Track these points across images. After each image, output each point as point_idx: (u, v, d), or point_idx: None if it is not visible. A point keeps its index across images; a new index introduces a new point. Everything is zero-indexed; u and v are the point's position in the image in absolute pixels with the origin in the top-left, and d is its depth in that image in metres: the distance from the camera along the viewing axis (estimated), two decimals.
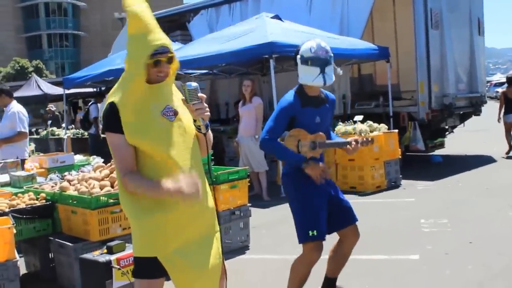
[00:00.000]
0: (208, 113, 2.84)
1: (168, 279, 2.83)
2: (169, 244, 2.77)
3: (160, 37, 2.73)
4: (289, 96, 4.00)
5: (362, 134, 3.75)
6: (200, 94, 2.79)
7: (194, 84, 2.80)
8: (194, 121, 2.87)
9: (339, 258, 4.22)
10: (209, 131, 2.92)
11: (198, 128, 2.89)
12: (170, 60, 2.79)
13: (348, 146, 3.99)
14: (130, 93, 2.73)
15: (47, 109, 22.24)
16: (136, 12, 2.72)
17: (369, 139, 4.05)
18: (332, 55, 3.96)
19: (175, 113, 2.83)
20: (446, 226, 6.62)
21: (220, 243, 2.99)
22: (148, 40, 2.69)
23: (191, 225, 2.83)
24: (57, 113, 21.97)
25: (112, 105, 2.73)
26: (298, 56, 3.94)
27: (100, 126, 13.57)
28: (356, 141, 3.99)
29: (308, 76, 3.91)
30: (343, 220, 4.09)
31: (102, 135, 13.84)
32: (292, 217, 4.05)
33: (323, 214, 3.96)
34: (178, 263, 2.77)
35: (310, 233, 3.88)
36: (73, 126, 18.29)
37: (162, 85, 2.82)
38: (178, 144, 2.78)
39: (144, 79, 2.73)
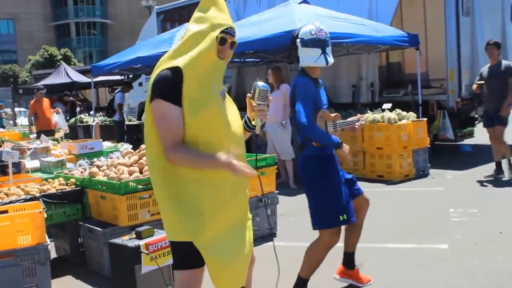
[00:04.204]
0: (267, 117, 2.87)
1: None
2: (206, 228, 2.69)
3: (231, 20, 2.78)
4: (304, 80, 4.12)
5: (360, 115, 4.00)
6: (269, 97, 2.81)
7: (267, 85, 2.81)
8: (251, 120, 2.89)
9: (355, 227, 4.34)
10: None
11: (251, 127, 2.92)
12: (233, 45, 2.79)
13: (356, 124, 4.22)
14: (200, 66, 2.68)
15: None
16: None
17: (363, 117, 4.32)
18: (329, 36, 4.17)
19: (225, 97, 2.85)
20: (476, 216, 6.53)
21: (251, 231, 2.97)
22: (223, 18, 2.73)
23: (228, 210, 2.77)
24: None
25: (177, 73, 2.63)
26: (298, 40, 4.10)
27: (124, 114, 13.73)
28: (359, 119, 4.25)
29: (310, 57, 4.08)
30: (354, 191, 4.26)
31: (128, 122, 13.98)
32: (314, 200, 4.13)
33: (348, 197, 4.12)
34: (213, 250, 2.69)
35: (341, 217, 4.01)
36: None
37: (224, 66, 2.82)
38: (231, 124, 2.78)
39: (215, 52, 2.71)
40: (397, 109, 9.76)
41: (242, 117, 2.95)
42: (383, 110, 9.58)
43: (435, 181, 8.96)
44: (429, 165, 9.77)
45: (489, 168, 9.26)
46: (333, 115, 4.15)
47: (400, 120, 9.46)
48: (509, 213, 6.60)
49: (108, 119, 15.86)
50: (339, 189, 4.05)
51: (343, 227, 4.24)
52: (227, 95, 2.91)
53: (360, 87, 12.61)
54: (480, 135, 13.11)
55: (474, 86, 8.88)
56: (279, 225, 6.38)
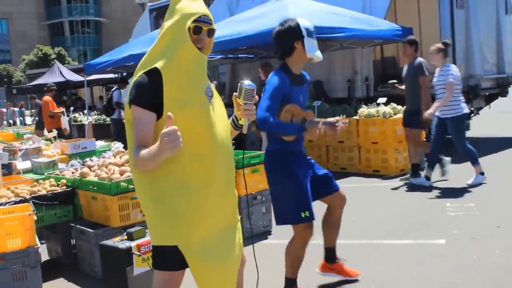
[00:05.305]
0: (254, 116, 2.81)
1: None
2: (191, 232, 2.61)
3: (205, 7, 2.68)
4: (280, 75, 3.91)
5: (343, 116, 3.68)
6: (255, 96, 2.76)
7: (253, 84, 2.76)
8: (238, 119, 2.83)
9: (332, 225, 4.31)
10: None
11: (238, 127, 2.85)
12: (210, 33, 2.70)
13: (337, 125, 3.89)
14: (181, 64, 2.59)
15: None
16: None
17: (347, 120, 3.98)
18: None
19: (212, 95, 2.74)
20: (473, 210, 6.48)
21: (241, 232, 2.90)
22: (195, 7, 2.62)
23: (215, 213, 2.69)
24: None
25: (155, 77, 2.55)
26: (304, 29, 3.83)
27: (123, 112, 13.62)
28: (338, 121, 3.90)
29: (314, 49, 3.87)
30: (327, 188, 4.16)
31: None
32: (276, 196, 4.06)
33: (310, 195, 3.98)
34: (198, 254, 2.62)
35: (303, 214, 3.91)
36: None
37: (205, 59, 2.72)
38: (215, 124, 2.67)
39: (191, 46, 2.60)
40: (392, 103, 9.71)
41: (230, 115, 2.88)
42: (378, 105, 9.53)
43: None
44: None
45: (485, 161, 9.22)
46: (305, 112, 3.95)
47: (395, 114, 9.40)
48: (506, 207, 6.55)
49: (102, 117, 15.78)
50: (301, 186, 3.92)
51: (319, 226, 4.23)
52: (214, 91, 2.82)
53: (355, 82, 12.56)
54: (476, 128, 13.11)
55: (403, 87, 8.59)
56: (274, 222, 6.30)
